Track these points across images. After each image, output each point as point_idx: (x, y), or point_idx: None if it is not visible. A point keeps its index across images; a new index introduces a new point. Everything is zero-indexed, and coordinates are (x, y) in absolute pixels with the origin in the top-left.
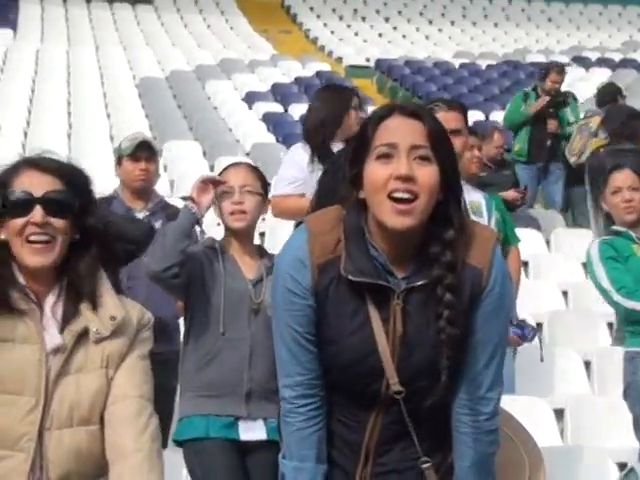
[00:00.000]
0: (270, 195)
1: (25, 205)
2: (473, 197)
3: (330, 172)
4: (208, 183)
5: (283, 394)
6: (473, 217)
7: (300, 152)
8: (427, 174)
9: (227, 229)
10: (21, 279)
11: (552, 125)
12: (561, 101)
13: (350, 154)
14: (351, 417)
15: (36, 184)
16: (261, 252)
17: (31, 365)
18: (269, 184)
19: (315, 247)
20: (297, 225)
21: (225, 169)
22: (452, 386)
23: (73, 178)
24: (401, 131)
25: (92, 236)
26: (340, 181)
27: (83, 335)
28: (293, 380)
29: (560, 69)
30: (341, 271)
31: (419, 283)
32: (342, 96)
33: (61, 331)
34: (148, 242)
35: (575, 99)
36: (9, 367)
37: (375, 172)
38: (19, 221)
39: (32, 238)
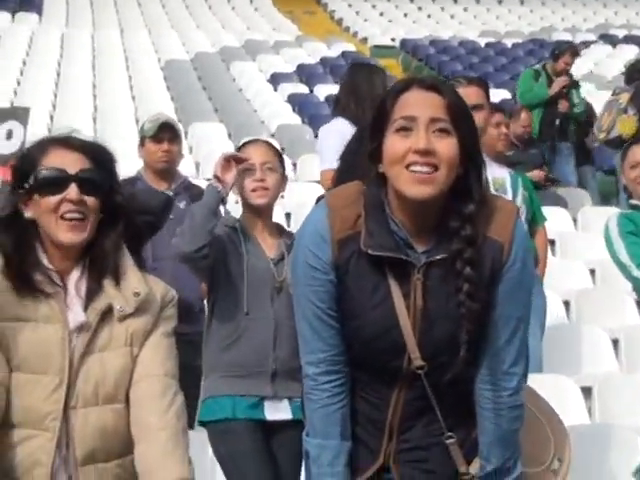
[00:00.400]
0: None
1: (59, 183)
2: (497, 174)
3: (352, 147)
4: (231, 160)
5: (306, 371)
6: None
7: (341, 122)
8: (446, 146)
9: (247, 207)
10: (45, 260)
11: (563, 105)
12: (574, 82)
13: (370, 128)
14: (374, 394)
15: (68, 162)
16: (280, 230)
17: (54, 344)
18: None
19: (335, 222)
20: (317, 201)
21: (243, 145)
22: (474, 361)
23: (100, 156)
24: (420, 104)
25: (118, 214)
26: (361, 157)
27: (107, 313)
28: (316, 357)
29: (574, 51)
30: (361, 246)
31: (439, 257)
32: (374, 71)
33: (85, 309)
34: (166, 212)
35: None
36: (32, 347)
37: (393, 145)
38: (53, 199)
39: (67, 216)
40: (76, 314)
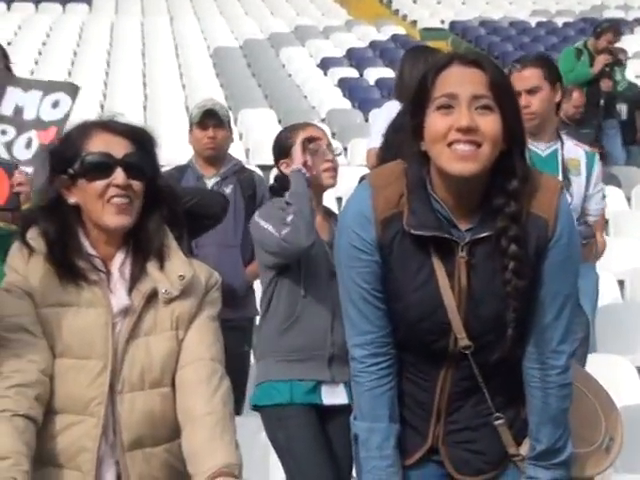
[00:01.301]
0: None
1: (106, 167)
2: (572, 154)
3: (394, 127)
4: (306, 143)
5: (353, 354)
6: (571, 176)
7: (392, 104)
8: (490, 123)
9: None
10: (87, 246)
11: (606, 84)
12: (617, 60)
13: (410, 106)
14: (421, 375)
15: (113, 146)
16: (329, 214)
17: (97, 329)
18: None
19: (378, 202)
20: (360, 181)
21: (294, 128)
22: (521, 339)
23: (142, 140)
24: (461, 81)
25: (160, 198)
26: (402, 135)
27: (152, 297)
28: (363, 339)
29: (617, 30)
30: (404, 225)
31: (483, 235)
32: (420, 54)
33: (129, 293)
34: (224, 215)
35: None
36: (75, 332)
37: (435, 123)
38: (100, 183)
39: (115, 200)
40: (120, 298)
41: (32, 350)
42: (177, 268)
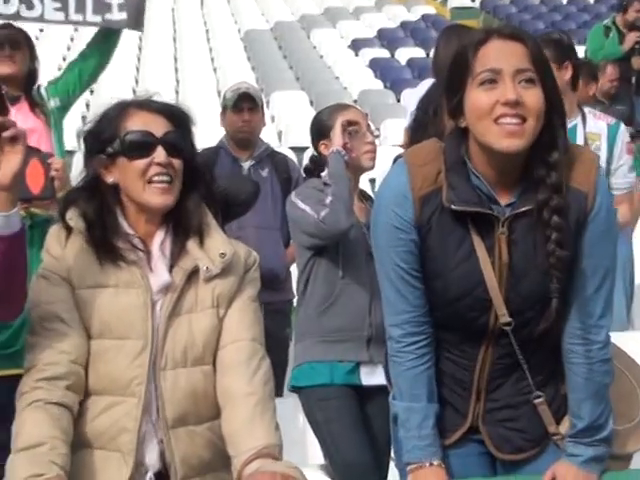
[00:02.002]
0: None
1: (147, 146)
2: (593, 128)
3: (423, 107)
4: (346, 125)
5: (391, 333)
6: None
7: (426, 82)
8: (534, 97)
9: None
10: (126, 226)
11: (637, 62)
12: None
13: (447, 83)
14: (460, 354)
15: (152, 125)
16: (365, 196)
17: (136, 309)
18: None
19: (416, 179)
20: (395, 160)
21: (334, 110)
22: (563, 314)
23: (180, 118)
24: (503, 55)
25: (198, 176)
26: (431, 116)
27: (193, 274)
28: (401, 318)
29: None
30: (444, 201)
31: (524, 209)
32: (465, 34)
33: (170, 270)
34: (254, 201)
35: None
36: (114, 312)
37: (479, 99)
38: (141, 162)
39: (156, 179)
40: (160, 276)
41: (65, 340)
42: (218, 246)
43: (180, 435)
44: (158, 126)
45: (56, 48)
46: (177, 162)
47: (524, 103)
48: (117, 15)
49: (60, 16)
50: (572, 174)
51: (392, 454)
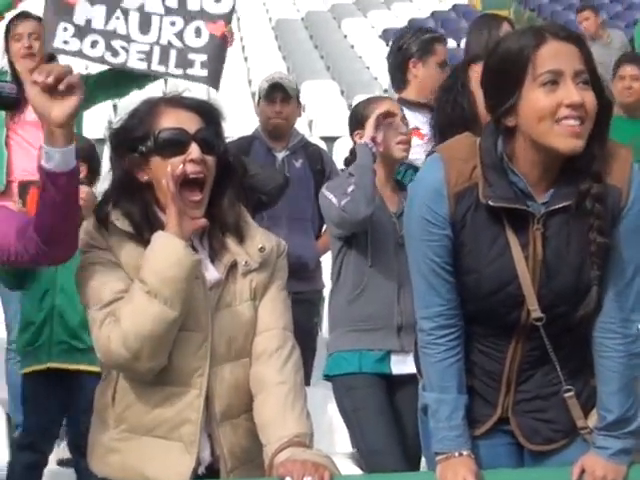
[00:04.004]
0: None
1: (181, 143)
2: None
3: (443, 106)
4: (381, 118)
5: (422, 326)
6: None
7: None
8: (591, 99)
9: (381, 160)
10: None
11: None
12: None
13: (498, 82)
14: (491, 346)
15: (185, 122)
16: (400, 186)
17: (198, 301)
18: None
19: (451, 175)
20: (428, 155)
21: (371, 102)
22: (595, 307)
23: (211, 115)
24: (563, 57)
25: (230, 172)
26: (458, 117)
27: (232, 268)
28: (432, 311)
29: None
30: (480, 197)
31: (560, 205)
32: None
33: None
34: (281, 195)
35: None
36: None
37: (541, 100)
38: (176, 160)
39: (192, 176)
40: (210, 271)
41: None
42: (257, 240)
43: (226, 429)
44: (191, 123)
45: None
46: (210, 159)
47: (583, 105)
48: (198, 71)
49: (143, 65)
50: (607, 169)
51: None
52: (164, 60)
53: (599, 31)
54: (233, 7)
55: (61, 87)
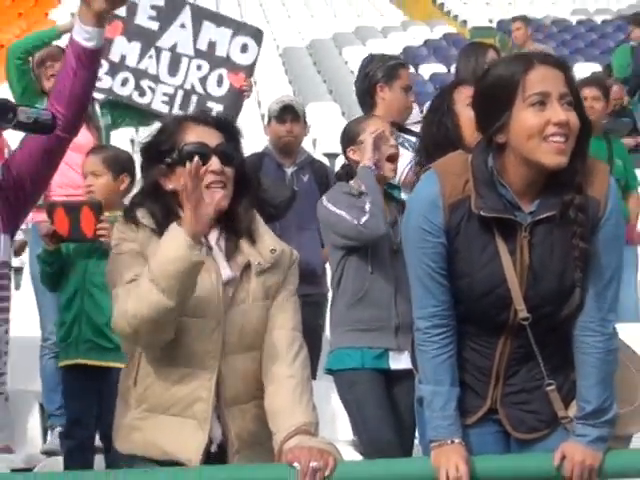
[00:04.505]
0: None
1: (202, 155)
2: None
3: (430, 126)
4: (377, 141)
5: (418, 325)
6: None
7: None
8: (574, 118)
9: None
10: None
11: None
12: None
13: (489, 104)
14: (482, 344)
15: (206, 137)
16: (388, 197)
17: (212, 291)
18: None
19: (446, 188)
20: (425, 171)
21: (359, 121)
22: (576, 308)
23: (230, 131)
24: (550, 80)
25: (247, 183)
26: (443, 136)
27: (246, 269)
28: (427, 312)
29: None
30: (472, 208)
31: (545, 215)
32: (469, 53)
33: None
34: (288, 208)
35: None
36: (195, 294)
37: (530, 119)
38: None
39: (213, 186)
40: (224, 268)
41: None
42: (268, 243)
43: (234, 413)
44: (212, 138)
45: None
46: (229, 170)
47: (568, 123)
48: None
49: (165, 108)
50: (588, 182)
51: (416, 432)
52: (185, 105)
53: (527, 42)
54: (256, 60)
55: None
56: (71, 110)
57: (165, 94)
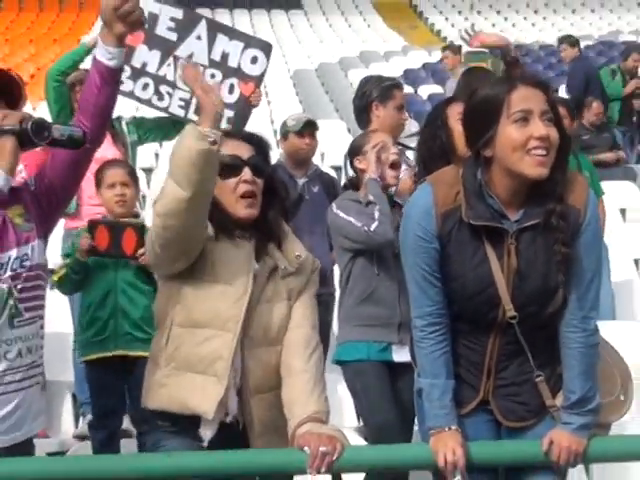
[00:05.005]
0: None
1: (236, 167)
2: None
3: (426, 139)
4: (380, 153)
5: (415, 323)
6: None
7: None
8: (555, 134)
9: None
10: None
11: (637, 104)
12: None
13: (477, 121)
14: (474, 341)
15: (240, 150)
16: (392, 203)
17: (242, 262)
18: None
19: (439, 198)
20: (420, 182)
21: (363, 135)
22: (560, 307)
23: (260, 145)
24: (532, 99)
25: (275, 193)
26: (438, 147)
27: (273, 271)
28: (423, 311)
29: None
30: (463, 217)
31: (529, 223)
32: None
33: None
34: (296, 210)
35: None
36: (225, 262)
37: (513, 134)
38: (232, 180)
39: (247, 195)
40: (256, 267)
41: None
42: (295, 249)
43: (256, 401)
44: (244, 151)
45: None
46: (259, 180)
47: (549, 138)
48: (224, 125)
49: (181, 112)
50: (568, 192)
51: (416, 420)
52: (199, 109)
53: (457, 66)
54: (265, 71)
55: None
56: (95, 123)
57: (181, 99)
